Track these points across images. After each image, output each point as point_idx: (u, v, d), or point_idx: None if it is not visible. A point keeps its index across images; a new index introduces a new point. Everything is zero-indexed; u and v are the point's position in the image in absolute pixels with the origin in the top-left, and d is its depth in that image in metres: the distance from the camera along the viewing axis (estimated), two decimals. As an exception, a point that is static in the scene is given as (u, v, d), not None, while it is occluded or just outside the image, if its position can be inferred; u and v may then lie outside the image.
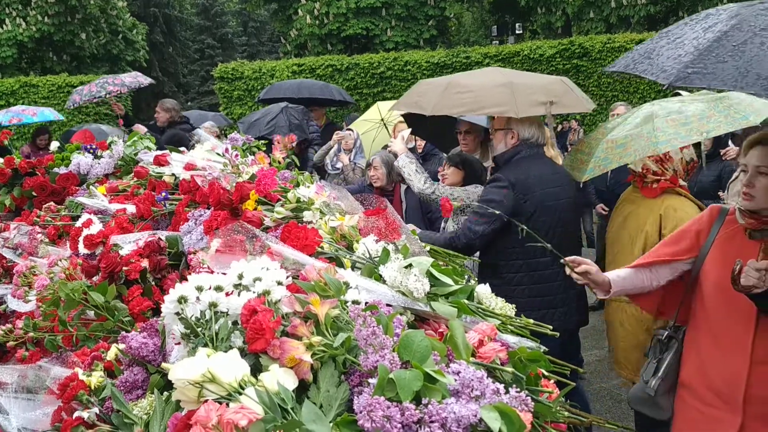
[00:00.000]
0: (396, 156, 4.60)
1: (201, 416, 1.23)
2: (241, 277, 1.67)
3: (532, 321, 2.20)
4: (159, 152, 3.68)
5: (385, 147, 7.18)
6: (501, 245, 3.85)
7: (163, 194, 3.22)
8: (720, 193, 5.50)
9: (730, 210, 2.80)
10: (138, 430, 1.78)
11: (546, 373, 1.93)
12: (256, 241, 1.89)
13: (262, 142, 3.86)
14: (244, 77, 18.54)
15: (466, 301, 2.00)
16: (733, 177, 4.64)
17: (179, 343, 1.69)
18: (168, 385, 1.96)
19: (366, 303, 1.66)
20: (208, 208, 2.92)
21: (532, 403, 1.38)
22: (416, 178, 4.43)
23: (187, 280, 1.73)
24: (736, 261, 2.52)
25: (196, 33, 37.27)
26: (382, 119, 7.73)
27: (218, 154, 3.33)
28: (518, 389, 1.40)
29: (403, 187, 5.58)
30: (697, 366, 2.78)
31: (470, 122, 4.96)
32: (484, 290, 2.24)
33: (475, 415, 1.28)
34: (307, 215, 2.21)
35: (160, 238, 2.84)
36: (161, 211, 3.23)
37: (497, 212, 3.21)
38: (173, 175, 3.51)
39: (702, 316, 2.80)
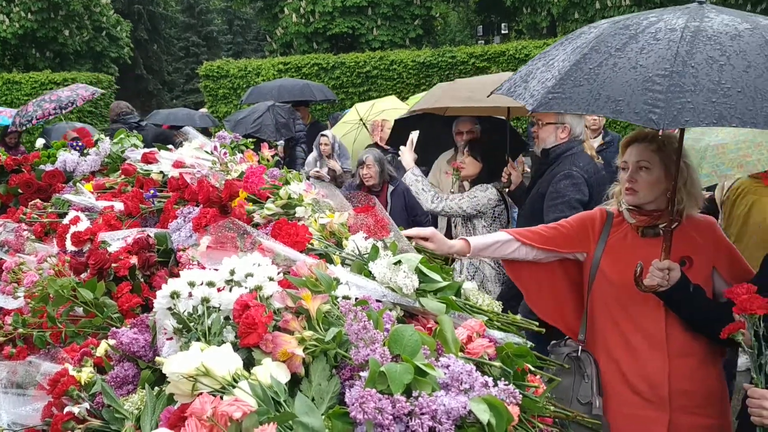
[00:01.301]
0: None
1: (196, 408, 1.25)
2: (232, 272, 1.69)
3: (519, 317, 2.24)
4: (147, 149, 3.68)
5: (370, 146, 7.21)
6: None
7: (152, 191, 3.22)
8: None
9: (615, 213, 2.84)
10: (129, 425, 1.79)
11: (532, 369, 1.97)
12: (247, 238, 1.91)
13: (250, 140, 3.87)
14: (230, 75, 18.50)
15: (454, 298, 2.03)
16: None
17: (171, 338, 1.71)
18: (159, 380, 1.99)
19: (356, 299, 1.68)
20: (197, 206, 2.94)
21: (520, 396, 1.42)
22: (423, 197, 4.47)
23: (176, 276, 1.74)
24: (637, 263, 2.57)
25: (181, 31, 37.11)
26: (361, 119, 7.78)
27: (207, 152, 3.33)
28: (506, 383, 1.43)
29: (390, 188, 5.61)
30: (614, 371, 2.76)
31: (471, 123, 5.00)
32: (471, 287, 2.27)
33: (465, 407, 1.31)
34: (299, 211, 2.23)
35: (149, 235, 2.85)
36: (150, 209, 3.24)
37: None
38: (161, 172, 3.52)
39: (607, 320, 2.81)
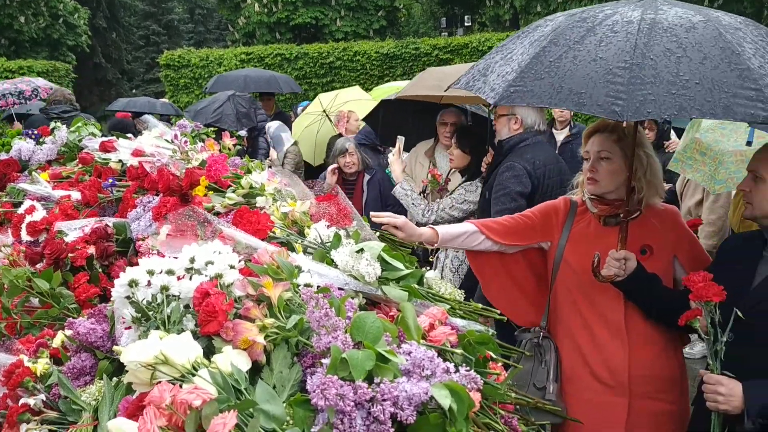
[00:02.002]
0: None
1: (155, 396, 1.23)
2: (192, 260, 1.67)
3: (480, 306, 2.25)
4: (105, 138, 3.61)
5: (334, 137, 7.18)
6: None
7: (111, 180, 3.16)
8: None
9: (579, 202, 2.90)
10: (87, 416, 1.76)
11: (494, 356, 1.99)
12: (208, 226, 1.89)
13: (211, 129, 3.82)
14: (191, 65, 18.25)
15: (416, 286, 2.04)
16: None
17: (129, 328, 1.68)
18: (117, 371, 1.95)
19: (318, 286, 1.68)
20: (157, 195, 2.89)
21: (482, 381, 1.42)
22: (414, 211, 4.45)
23: (135, 266, 1.72)
24: (594, 254, 2.63)
25: (141, 19, 36.48)
26: (324, 110, 7.74)
27: (167, 141, 3.29)
28: (468, 368, 1.44)
29: (366, 177, 5.59)
30: (576, 358, 2.80)
31: (456, 114, 4.97)
32: (433, 276, 2.28)
33: (426, 393, 1.32)
34: (259, 201, 2.22)
35: (107, 225, 2.80)
36: (108, 198, 3.18)
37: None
38: (120, 161, 3.45)
39: (570, 307, 2.86)
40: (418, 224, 4.35)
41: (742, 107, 2.06)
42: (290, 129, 8.08)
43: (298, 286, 1.64)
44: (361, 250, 1.90)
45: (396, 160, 4.55)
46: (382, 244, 1.96)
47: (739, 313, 2.27)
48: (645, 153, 2.72)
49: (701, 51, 2.18)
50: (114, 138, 3.60)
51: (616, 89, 2.10)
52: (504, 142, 4.05)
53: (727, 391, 2.26)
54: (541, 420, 2.87)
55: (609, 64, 2.17)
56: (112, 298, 1.96)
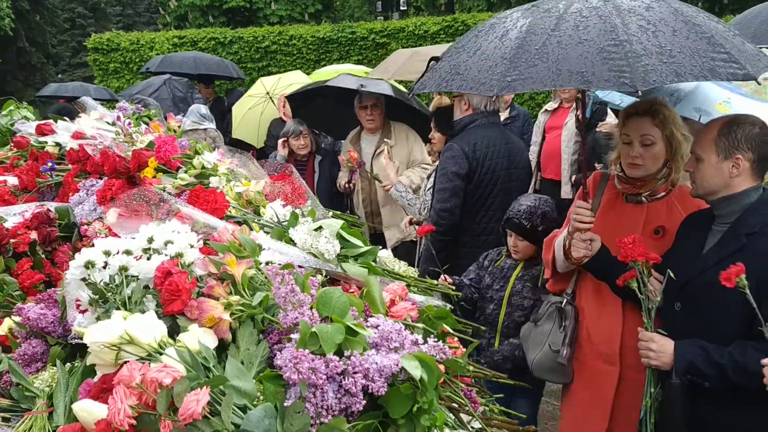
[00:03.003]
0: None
1: (124, 376, 1.21)
2: (151, 240, 1.63)
3: (436, 282, 2.28)
4: (42, 122, 3.49)
5: (276, 120, 7.11)
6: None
7: (50, 164, 3.06)
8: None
9: (611, 176, 3.00)
10: (41, 403, 1.72)
11: (451, 331, 2.02)
12: (163, 206, 1.85)
13: (153, 111, 3.73)
14: (121, 49, 17.73)
15: (374, 264, 2.05)
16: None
17: (86, 311, 1.64)
18: (71, 356, 1.91)
19: (280, 264, 1.67)
20: (101, 178, 2.81)
21: (450, 351, 1.45)
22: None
23: (80, 251, 1.67)
24: (615, 228, 2.75)
25: (66, 1, 35.12)
26: (268, 93, 7.64)
27: (108, 123, 3.19)
28: (436, 339, 1.46)
29: (318, 158, 5.62)
30: (586, 326, 2.98)
31: (375, 97, 5.05)
32: (386, 255, 2.30)
33: (397, 365, 1.33)
34: (213, 181, 2.18)
35: (49, 210, 2.71)
36: (47, 182, 3.08)
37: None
38: (57, 144, 3.34)
39: (587, 281, 2.99)
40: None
41: (723, 68, 2.30)
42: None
43: (260, 263, 1.63)
44: (320, 227, 1.90)
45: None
46: (341, 222, 1.96)
47: (671, 274, 2.41)
48: (683, 135, 2.79)
49: (668, 25, 2.38)
50: (51, 121, 3.48)
51: (617, 64, 2.27)
52: (455, 123, 4.17)
53: (657, 348, 2.41)
54: (551, 379, 3.15)
55: (597, 44, 2.33)
56: (65, 281, 1.92)
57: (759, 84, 2.66)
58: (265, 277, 1.56)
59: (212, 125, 6.09)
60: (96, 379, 1.47)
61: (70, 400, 1.72)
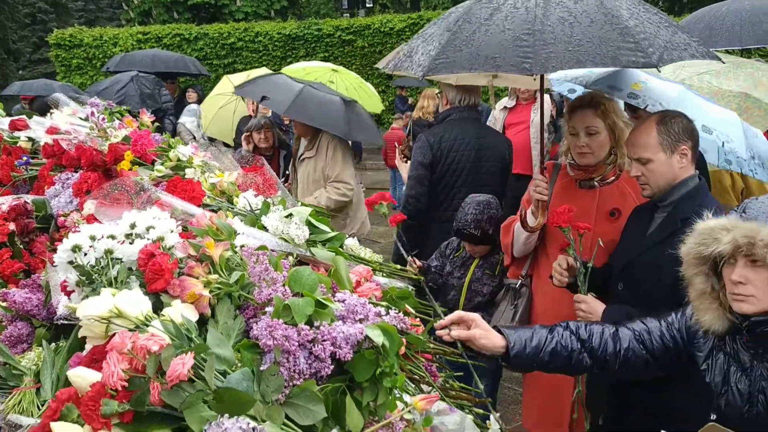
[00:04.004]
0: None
1: (116, 343, 1.34)
2: (133, 226, 1.76)
3: (398, 266, 2.44)
4: (15, 117, 3.56)
5: (245, 118, 7.21)
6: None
7: (24, 158, 3.15)
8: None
9: (562, 165, 3.23)
10: (28, 380, 1.84)
11: (412, 310, 2.18)
12: (143, 195, 1.98)
13: (124, 107, 3.83)
14: (84, 45, 17.60)
15: (341, 249, 2.20)
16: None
17: (73, 291, 1.76)
18: (55, 337, 2.03)
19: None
20: (76, 171, 2.92)
21: (409, 321, 1.60)
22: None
23: (57, 242, 1.80)
24: (521, 207, 3.03)
25: (26, -5, 34.53)
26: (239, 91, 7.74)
27: (81, 119, 3.29)
28: (397, 311, 1.61)
29: (283, 152, 5.76)
30: (545, 305, 3.18)
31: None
32: (352, 242, 2.45)
33: (361, 333, 1.48)
34: (188, 173, 2.31)
35: (26, 202, 2.81)
36: (22, 176, 3.17)
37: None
38: (31, 139, 3.43)
39: (546, 261, 3.21)
40: None
41: (625, 56, 2.58)
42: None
43: (236, 247, 1.77)
44: (291, 214, 2.04)
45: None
46: (310, 209, 2.11)
47: (601, 243, 2.72)
48: (624, 122, 3.06)
49: (588, 17, 2.66)
50: (24, 117, 3.56)
51: (524, 51, 2.55)
52: (436, 117, 4.40)
53: (587, 308, 2.64)
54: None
55: (515, 33, 2.61)
56: (48, 267, 2.04)
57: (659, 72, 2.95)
58: (241, 259, 1.70)
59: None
60: (84, 353, 1.60)
61: (57, 377, 1.85)
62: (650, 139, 2.56)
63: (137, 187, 1.99)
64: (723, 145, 3.32)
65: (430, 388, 1.94)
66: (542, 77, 3.24)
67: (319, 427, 1.44)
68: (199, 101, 9.04)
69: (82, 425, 1.31)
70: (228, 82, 7.64)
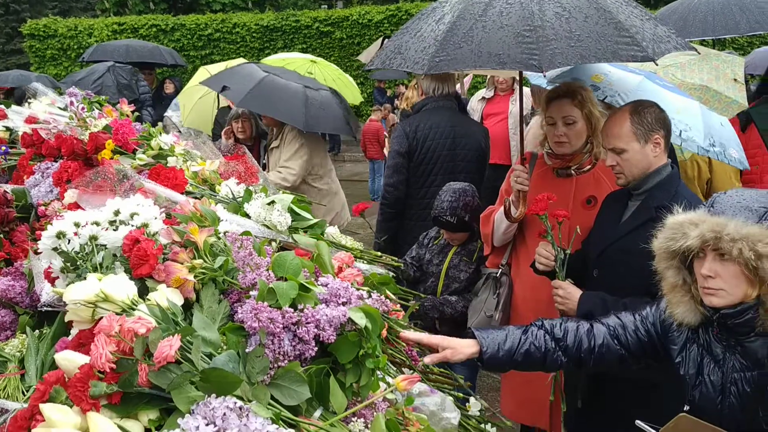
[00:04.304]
0: None
1: (104, 326, 1.36)
2: (117, 213, 1.78)
3: (379, 253, 2.48)
4: (-8, 107, 3.55)
5: (223, 108, 7.18)
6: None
7: (3, 148, 3.14)
8: None
9: (539, 155, 3.28)
10: (13, 366, 1.85)
11: (392, 296, 2.22)
12: (125, 182, 1.99)
13: (103, 97, 3.81)
14: (58, 35, 17.40)
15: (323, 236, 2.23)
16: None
17: (57, 278, 1.77)
18: (39, 324, 2.05)
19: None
20: (56, 161, 2.91)
21: (391, 304, 1.64)
22: None
23: (38, 231, 1.81)
24: (505, 199, 3.06)
25: (-2, -15, 33.96)
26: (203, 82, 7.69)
27: (60, 108, 3.29)
28: (379, 294, 1.65)
29: (264, 142, 5.76)
30: (524, 293, 3.24)
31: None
32: (333, 231, 2.48)
33: (345, 315, 1.51)
34: (171, 161, 2.32)
35: (5, 191, 2.80)
36: (1, 166, 3.16)
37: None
38: (9, 129, 3.41)
39: (525, 250, 3.26)
40: None
41: (624, 51, 2.60)
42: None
43: (219, 233, 1.80)
44: (273, 202, 2.06)
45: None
46: (291, 197, 2.14)
47: (578, 230, 2.77)
48: (599, 112, 3.11)
49: (582, 12, 2.67)
50: (2, 106, 3.54)
51: (529, 48, 2.55)
52: (413, 107, 4.53)
53: (564, 294, 2.70)
54: None
55: (515, 29, 2.61)
56: (31, 256, 2.05)
57: (657, 65, 2.98)
58: (225, 245, 1.72)
59: None
60: (70, 338, 1.61)
61: (42, 363, 1.86)
62: (624, 130, 2.61)
63: (120, 175, 2.01)
64: (680, 134, 3.41)
65: (411, 371, 1.98)
66: (520, 73, 3.28)
67: (304, 407, 1.48)
68: (177, 92, 8.98)
69: (71, 407, 1.33)
70: (206, 73, 7.58)
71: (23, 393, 1.80)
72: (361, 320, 1.51)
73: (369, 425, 1.52)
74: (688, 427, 1.90)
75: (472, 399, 2.02)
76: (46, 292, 1.96)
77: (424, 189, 4.34)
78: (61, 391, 1.37)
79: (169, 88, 9.36)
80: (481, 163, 4.59)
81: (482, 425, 1.99)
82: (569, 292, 2.68)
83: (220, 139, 5.66)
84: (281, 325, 1.46)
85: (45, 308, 1.91)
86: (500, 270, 3.40)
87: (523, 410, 3.37)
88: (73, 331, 1.62)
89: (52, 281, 1.87)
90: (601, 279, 2.69)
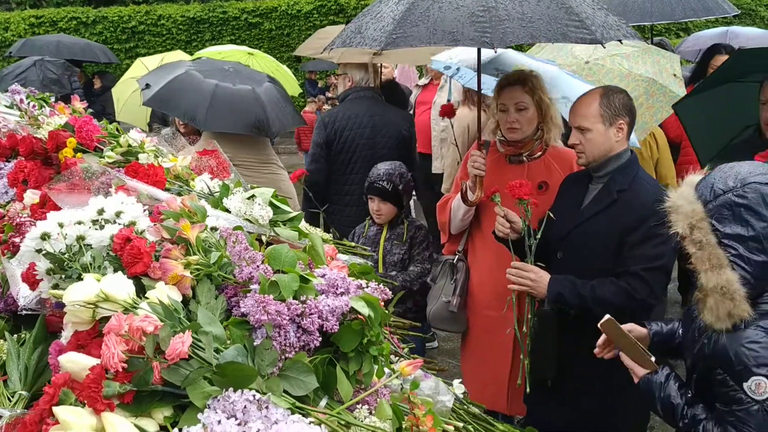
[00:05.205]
0: None
1: (113, 325, 1.35)
2: (101, 212, 1.74)
3: (353, 243, 2.51)
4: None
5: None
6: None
7: (-50, 150, 3.01)
8: None
9: (492, 142, 3.37)
10: (-7, 373, 1.81)
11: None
12: (99, 179, 1.96)
13: (47, 94, 3.70)
14: (-29, 29, 16.62)
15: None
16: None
17: (41, 281, 1.73)
18: (16, 328, 2.00)
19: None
20: (8, 161, 2.82)
21: (390, 293, 1.67)
22: None
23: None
24: (462, 183, 3.15)
25: None
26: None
27: (6, 106, 3.17)
28: (377, 284, 1.68)
29: None
30: (480, 278, 3.32)
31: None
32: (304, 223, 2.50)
33: (347, 305, 1.54)
34: (142, 158, 2.28)
35: (-43, 195, 2.69)
36: (-54, 168, 3.02)
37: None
38: (-51, 130, 3.27)
39: (480, 236, 3.34)
40: None
41: (573, 33, 2.75)
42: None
43: (207, 228, 1.79)
44: (253, 196, 2.06)
45: None
46: (272, 190, 2.14)
47: (551, 215, 2.83)
48: (549, 99, 3.21)
49: None
50: (-57, 107, 3.39)
51: (482, 26, 2.69)
52: (338, 97, 4.65)
53: (535, 277, 2.79)
54: (446, 329, 3.40)
55: (470, 9, 2.75)
56: (3, 259, 1.99)
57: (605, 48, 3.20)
58: (216, 240, 1.72)
59: None
60: (64, 340, 1.59)
61: (25, 368, 1.82)
62: (591, 110, 2.71)
63: (99, 171, 1.97)
64: None
65: (397, 358, 2.02)
66: (479, 54, 3.35)
67: (311, 397, 1.50)
68: (105, 88, 8.74)
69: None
70: (142, 66, 7.40)
71: (8, 399, 1.76)
72: (364, 309, 1.55)
73: (372, 411, 1.56)
74: (611, 329, 2.18)
75: (455, 382, 2.08)
76: (23, 295, 1.91)
77: (345, 176, 4.61)
78: (70, 394, 1.35)
79: (96, 83, 9.12)
80: (404, 150, 4.75)
81: (466, 407, 2.05)
82: (540, 276, 2.76)
83: (166, 129, 5.51)
84: (287, 317, 1.47)
85: (25, 312, 1.87)
86: (456, 256, 3.48)
87: (484, 395, 3.46)
88: (65, 334, 1.59)
89: (32, 284, 1.83)
90: (565, 261, 2.79)
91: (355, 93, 4.57)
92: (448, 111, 4.68)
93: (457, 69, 4.38)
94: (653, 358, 2.16)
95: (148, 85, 4.87)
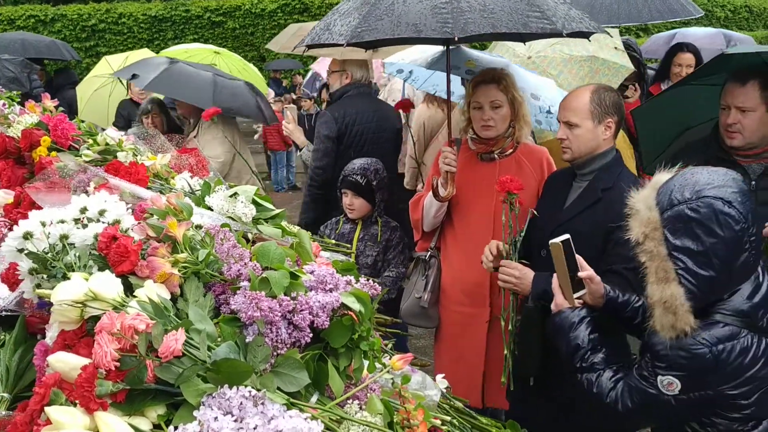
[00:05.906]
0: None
1: (105, 324, 1.33)
2: (84, 210, 1.72)
3: (333, 241, 2.51)
4: None
5: (124, 101, 6.94)
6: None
7: None
8: None
9: (463, 140, 3.41)
10: (-28, 376, 1.77)
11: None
12: (82, 175, 1.93)
13: (14, 92, 3.63)
14: (-76, 27, 16.17)
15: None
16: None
17: (22, 281, 1.70)
18: (-7, 330, 1.95)
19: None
20: (-22, 160, 2.76)
21: (379, 288, 1.68)
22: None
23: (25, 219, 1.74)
24: (471, 183, 3.15)
25: None
26: (116, 73, 7.42)
27: (-27, 105, 3.10)
28: (367, 279, 1.69)
29: (177, 136, 5.66)
30: (452, 275, 3.35)
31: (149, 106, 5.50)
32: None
33: (338, 301, 1.54)
34: (120, 156, 2.26)
35: (-74, 194, 2.63)
36: None
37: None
38: None
39: (452, 233, 3.37)
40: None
41: (534, 24, 2.86)
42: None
43: (194, 226, 1.78)
44: (236, 194, 2.06)
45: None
46: (255, 188, 2.13)
47: (535, 212, 2.88)
48: (520, 96, 3.26)
49: None
50: None
51: (444, 18, 2.78)
52: (334, 94, 4.65)
53: (520, 275, 2.81)
54: (418, 324, 3.42)
55: (432, 2, 2.85)
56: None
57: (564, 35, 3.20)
58: (202, 238, 1.71)
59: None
60: (49, 341, 1.57)
61: (6, 369, 1.79)
62: (581, 105, 2.73)
63: (78, 170, 1.94)
64: (549, 109, 3.85)
65: (383, 354, 2.03)
66: (447, 53, 3.38)
67: (303, 393, 1.50)
68: (64, 85, 8.59)
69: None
70: (106, 64, 7.30)
71: (-9, 402, 1.72)
72: (355, 304, 1.55)
73: (363, 406, 1.56)
74: (557, 251, 2.29)
75: (438, 377, 2.09)
76: (2, 296, 1.89)
77: None
78: (60, 394, 1.34)
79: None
80: (398, 144, 4.96)
81: (450, 401, 2.06)
82: (524, 273, 2.78)
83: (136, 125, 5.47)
84: (279, 313, 1.47)
85: (4, 313, 1.84)
86: (429, 252, 3.51)
87: (456, 389, 3.48)
88: (51, 334, 1.57)
89: (12, 284, 1.80)
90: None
91: (355, 89, 4.62)
92: (405, 105, 4.77)
93: (410, 72, 4.50)
94: (578, 300, 2.29)
95: (135, 75, 5.03)
